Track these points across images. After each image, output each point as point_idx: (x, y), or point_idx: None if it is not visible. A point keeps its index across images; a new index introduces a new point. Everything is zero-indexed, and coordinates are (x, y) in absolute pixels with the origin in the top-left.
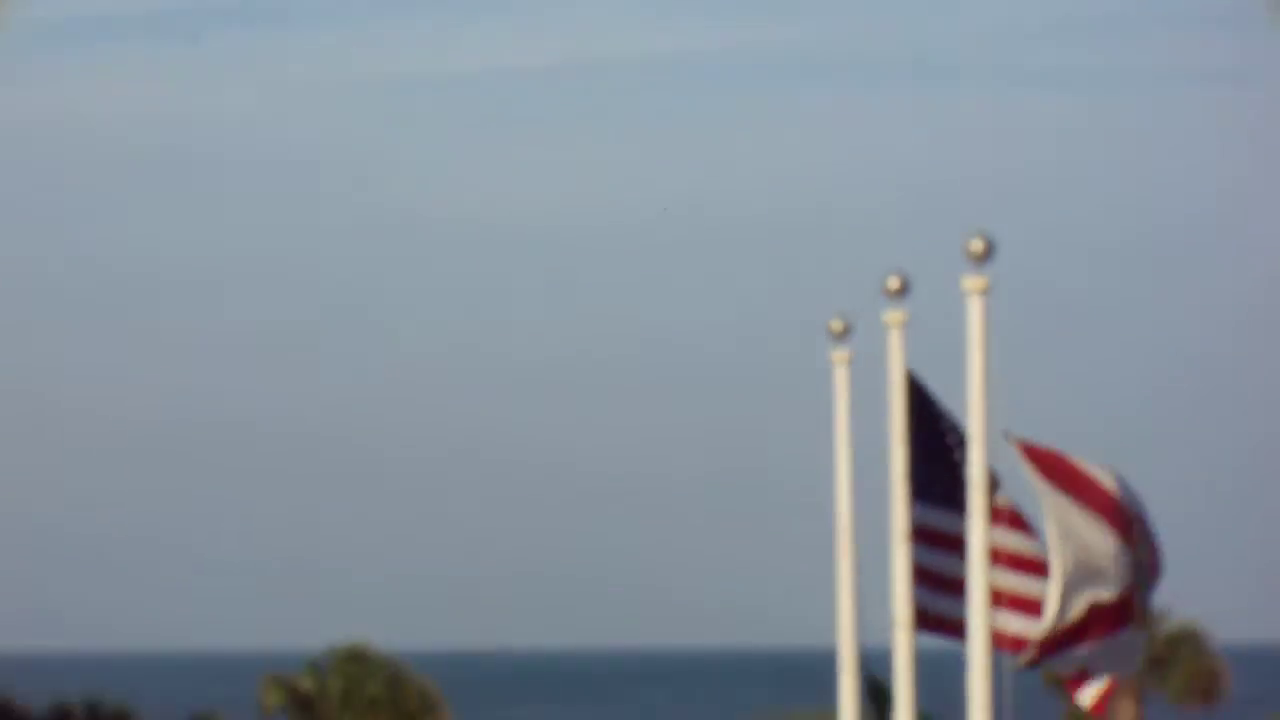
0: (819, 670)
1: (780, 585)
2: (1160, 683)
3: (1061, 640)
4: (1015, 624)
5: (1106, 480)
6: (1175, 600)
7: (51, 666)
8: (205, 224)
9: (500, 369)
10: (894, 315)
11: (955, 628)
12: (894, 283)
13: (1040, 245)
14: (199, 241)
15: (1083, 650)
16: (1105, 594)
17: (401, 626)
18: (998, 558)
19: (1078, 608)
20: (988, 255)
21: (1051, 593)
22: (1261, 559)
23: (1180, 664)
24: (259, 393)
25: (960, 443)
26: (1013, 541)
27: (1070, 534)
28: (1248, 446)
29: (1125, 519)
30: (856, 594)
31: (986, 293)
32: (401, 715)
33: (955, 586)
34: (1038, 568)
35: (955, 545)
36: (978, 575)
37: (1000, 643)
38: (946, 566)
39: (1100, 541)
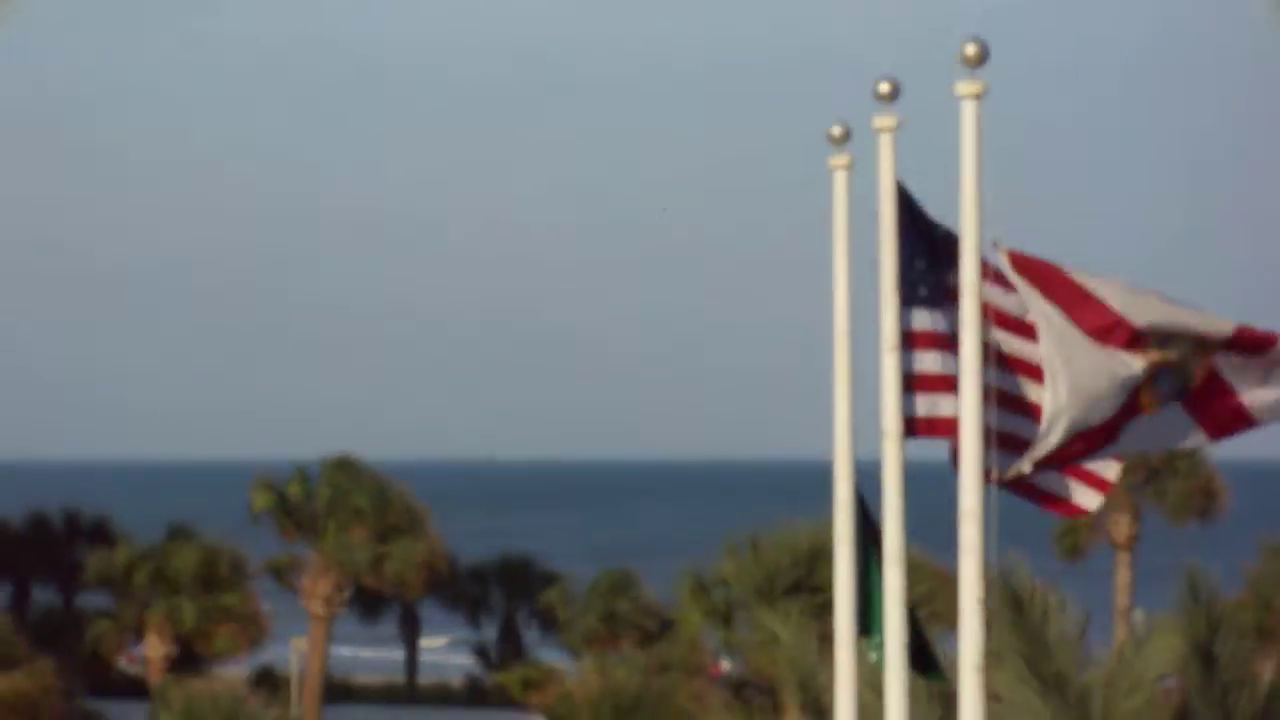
0: (818, 482)
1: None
2: (1157, 498)
3: (1040, 467)
4: (1008, 424)
5: (1109, 291)
6: None
7: (27, 476)
8: None
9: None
10: (884, 120)
11: (949, 427)
12: (885, 87)
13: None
14: None
15: (1053, 476)
16: (1095, 420)
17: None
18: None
19: (1060, 434)
20: (982, 60)
21: (1044, 413)
22: None
23: (1177, 478)
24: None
25: (951, 250)
26: (1012, 344)
27: (1064, 352)
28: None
29: (1131, 331)
30: (851, 403)
31: (980, 97)
32: (386, 525)
33: (948, 384)
34: (1034, 373)
35: (951, 345)
36: (970, 380)
37: (995, 443)
38: (938, 366)
39: (1098, 361)
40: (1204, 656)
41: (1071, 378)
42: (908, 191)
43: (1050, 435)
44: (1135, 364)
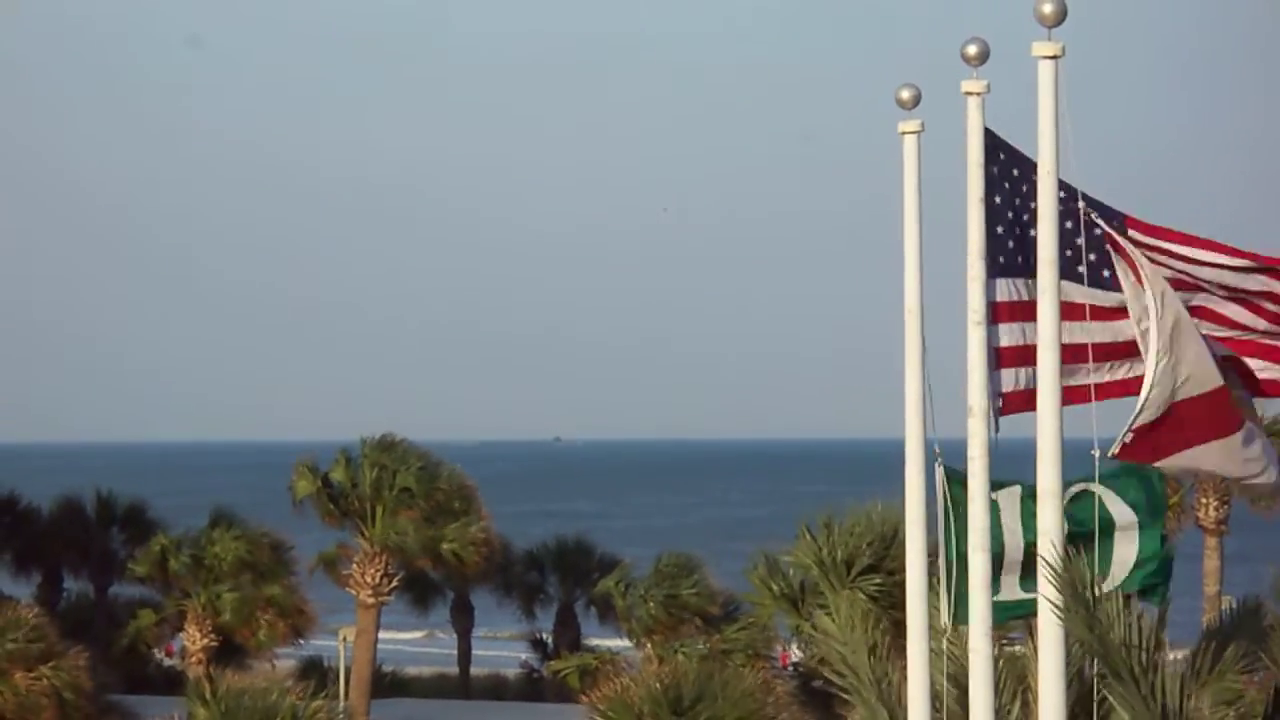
0: (894, 463)
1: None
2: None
3: (1161, 438)
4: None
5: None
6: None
7: (59, 459)
8: None
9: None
10: (973, 85)
11: (1031, 401)
12: (972, 50)
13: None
14: None
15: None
16: (1205, 387)
17: (444, 418)
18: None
19: (1163, 395)
20: (1059, 19)
21: (1146, 372)
22: None
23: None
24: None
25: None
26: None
27: (1173, 319)
28: None
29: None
30: (924, 381)
31: (1058, 58)
32: (434, 506)
33: (1032, 356)
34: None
35: (1032, 314)
36: (1048, 356)
37: (1083, 396)
38: (1025, 337)
39: (1196, 336)
40: None
41: (1189, 344)
42: (1000, 144)
43: (1163, 396)
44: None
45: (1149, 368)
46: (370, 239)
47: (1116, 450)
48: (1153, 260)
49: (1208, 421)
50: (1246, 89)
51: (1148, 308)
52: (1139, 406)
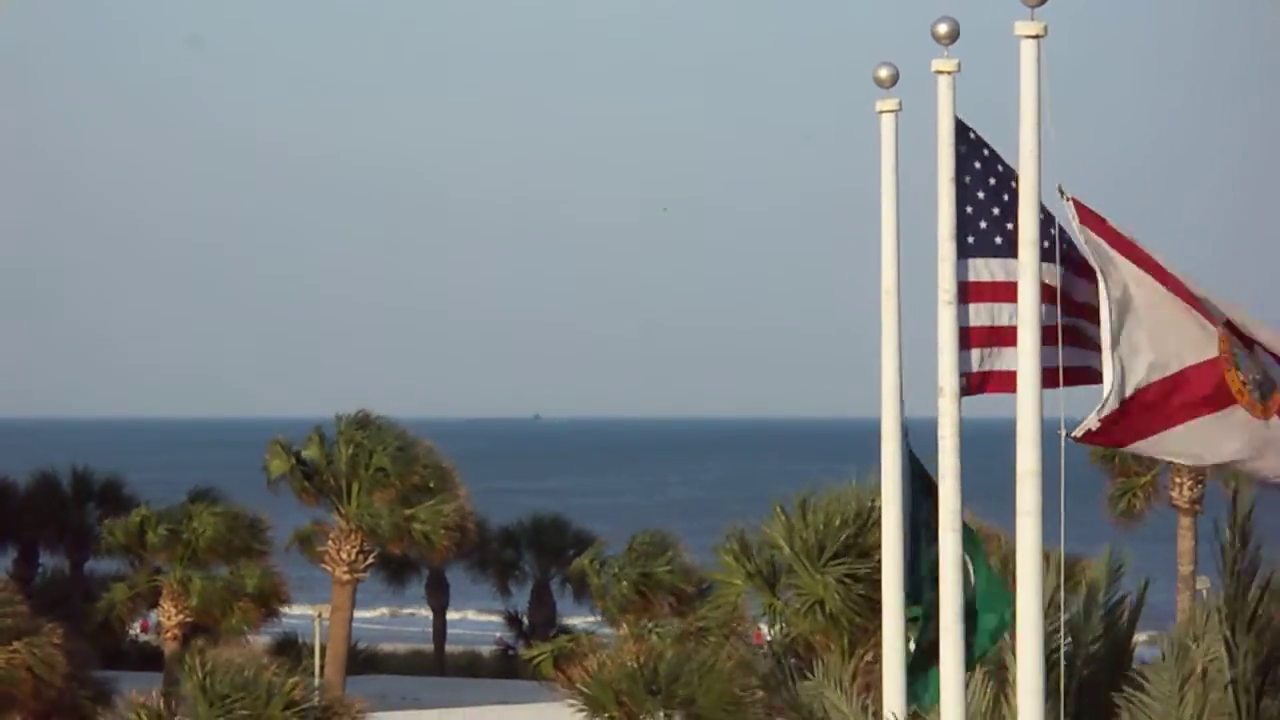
0: (868, 441)
1: (826, 354)
2: None
3: (1128, 424)
4: (1074, 358)
5: (1187, 281)
6: None
7: (35, 434)
8: None
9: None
10: (944, 63)
11: (1008, 382)
12: (943, 28)
13: None
14: None
15: (1155, 439)
16: (1174, 367)
17: (424, 396)
18: (1052, 298)
19: (1137, 378)
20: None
21: (1106, 359)
22: None
23: None
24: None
25: (1011, 193)
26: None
27: (1143, 298)
28: None
29: (1192, 297)
30: (899, 360)
31: (1040, 38)
32: (411, 486)
33: (1009, 337)
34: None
35: (1010, 294)
36: (1028, 335)
37: (1053, 381)
38: (998, 318)
39: (1176, 311)
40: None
41: (1150, 325)
42: (969, 128)
43: (1125, 385)
44: (1212, 331)
45: (1105, 358)
46: (353, 221)
47: (1080, 435)
48: (1106, 232)
49: (1192, 396)
50: (1237, 89)
51: (1102, 297)
52: (1104, 395)
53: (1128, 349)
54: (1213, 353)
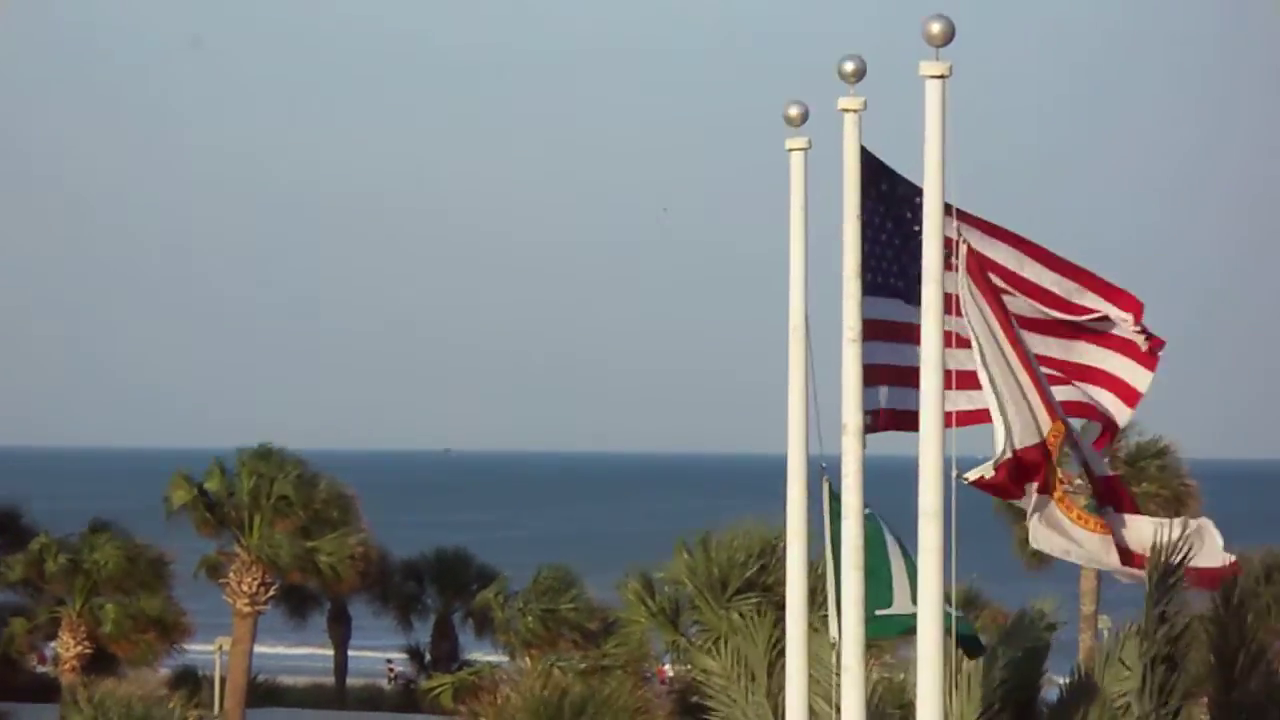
0: (774, 478)
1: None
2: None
3: (1016, 472)
4: (968, 403)
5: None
6: (1143, 417)
7: None
8: None
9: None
10: (850, 101)
11: (914, 421)
12: (849, 66)
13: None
14: None
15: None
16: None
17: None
18: (952, 343)
19: (1009, 437)
20: (947, 39)
21: (995, 411)
22: (1231, 380)
23: (1145, 480)
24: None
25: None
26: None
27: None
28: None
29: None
30: (808, 397)
31: (945, 78)
32: (311, 515)
33: (912, 377)
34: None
35: (914, 335)
36: (931, 373)
37: (960, 421)
38: (905, 358)
39: (1012, 385)
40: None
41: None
42: (877, 160)
43: (1012, 439)
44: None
45: (992, 410)
46: (260, 239)
47: (972, 478)
48: (987, 286)
49: (1038, 475)
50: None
51: (980, 355)
52: (1000, 443)
53: (1000, 411)
54: (1035, 440)
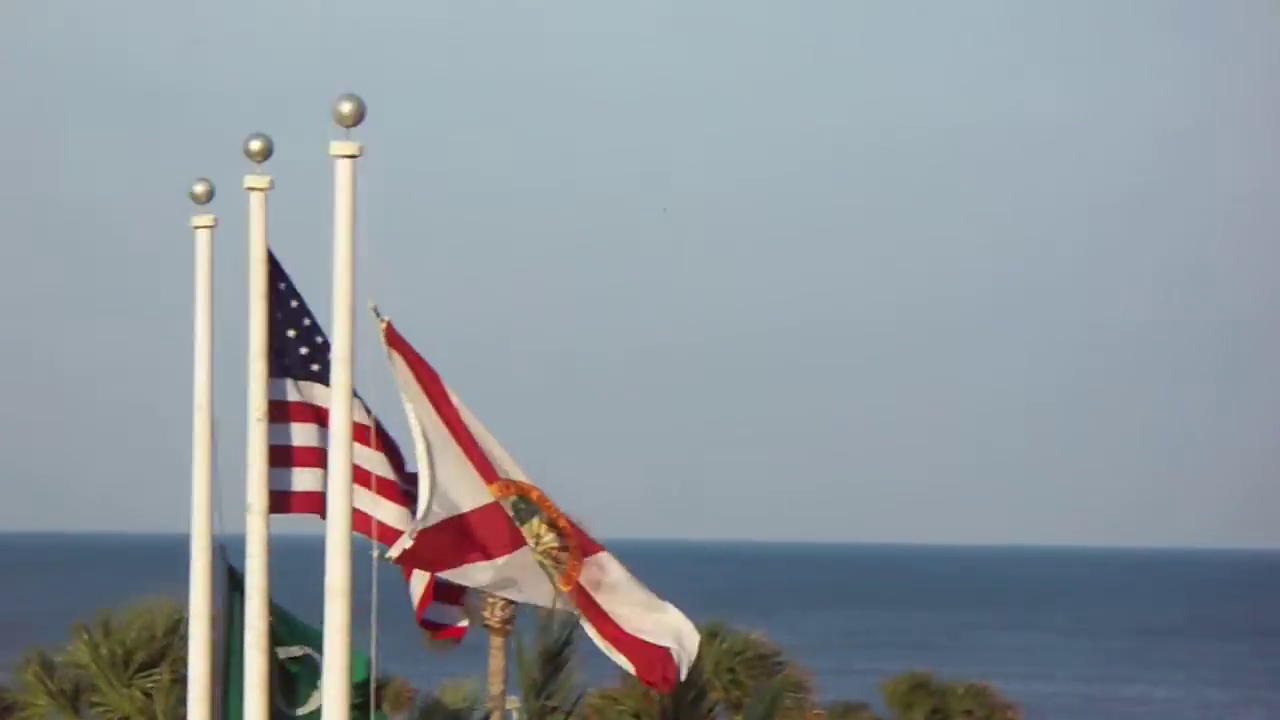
0: (175, 556)
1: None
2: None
3: (437, 550)
4: (382, 512)
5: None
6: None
7: None
8: None
9: None
10: (256, 180)
11: (318, 503)
12: (256, 145)
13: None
14: None
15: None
16: (465, 506)
17: None
18: (362, 437)
19: (439, 509)
20: (358, 119)
21: (421, 493)
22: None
23: None
24: None
25: (314, 322)
26: (371, 456)
27: (437, 438)
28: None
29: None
30: (213, 476)
31: (357, 157)
32: None
33: (319, 459)
34: (399, 469)
35: (320, 417)
36: (340, 454)
37: (364, 527)
38: (310, 439)
39: (451, 454)
40: None
41: (443, 464)
42: (277, 260)
43: (427, 515)
44: (490, 492)
45: (421, 479)
46: None
47: (395, 555)
48: (415, 358)
49: (483, 538)
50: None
51: (412, 422)
52: (418, 516)
53: (429, 480)
54: (487, 499)
